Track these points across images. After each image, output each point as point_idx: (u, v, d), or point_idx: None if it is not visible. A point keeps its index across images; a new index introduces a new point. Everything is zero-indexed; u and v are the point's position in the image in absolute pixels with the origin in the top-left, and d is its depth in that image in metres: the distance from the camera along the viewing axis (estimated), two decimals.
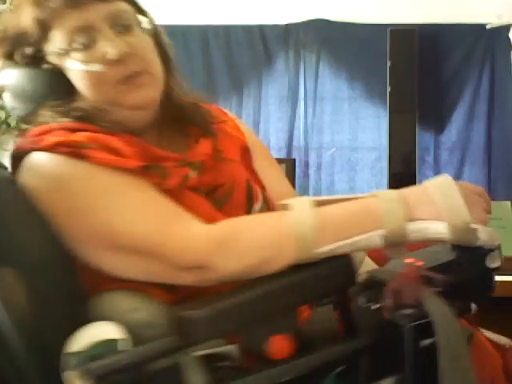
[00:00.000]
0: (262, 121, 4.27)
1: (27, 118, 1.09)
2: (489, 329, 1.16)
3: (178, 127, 1.17)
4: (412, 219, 0.92)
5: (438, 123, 4.16)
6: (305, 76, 4.26)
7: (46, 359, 0.89)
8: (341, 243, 0.92)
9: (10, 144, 3.51)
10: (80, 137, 1.00)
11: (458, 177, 4.07)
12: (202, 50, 4.23)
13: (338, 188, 4.25)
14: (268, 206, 1.17)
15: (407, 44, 3.94)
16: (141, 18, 1.12)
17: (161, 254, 0.94)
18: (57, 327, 0.91)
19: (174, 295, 0.96)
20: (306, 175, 4.26)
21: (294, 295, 0.92)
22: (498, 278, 0.99)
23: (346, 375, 0.94)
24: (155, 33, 1.15)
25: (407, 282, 0.87)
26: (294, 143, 4.29)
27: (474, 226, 0.92)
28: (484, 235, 0.93)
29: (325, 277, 0.93)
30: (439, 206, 0.92)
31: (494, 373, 1.05)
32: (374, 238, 0.92)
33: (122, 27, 1.07)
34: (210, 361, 0.91)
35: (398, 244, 0.93)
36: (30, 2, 1.06)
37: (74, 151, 0.98)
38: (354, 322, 0.94)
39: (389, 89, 3.96)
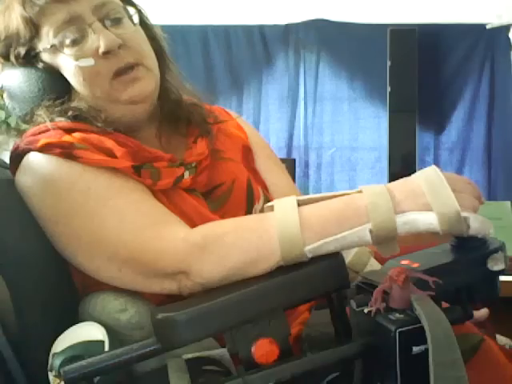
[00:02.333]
0: (262, 121, 4.27)
1: (26, 118, 1.09)
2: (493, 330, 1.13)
3: (177, 127, 1.16)
4: (400, 211, 0.88)
5: (438, 123, 4.16)
6: (305, 76, 4.26)
7: (33, 361, 0.88)
8: (327, 239, 0.88)
9: (10, 144, 3.51)
10: (72, 138, 0.99)
11: None
12: (202, 50, 4.24)
13: (338, 188, 4.25)
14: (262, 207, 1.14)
15: (407, 44, 3.95)
16: (130, 10, 1.09)
17: (143, 261, 0.92)
18: (43, 330, 0.91)
19: (163, 296, 0.94)
20: (306, 175, 4.27)
21: (279, 296, 0.87)
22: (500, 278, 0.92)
23: (338, 382, 0.90)
24: (147, 25, 1.13)
25: (395, 284, 0.81)
26: (294, 143, 4.30)
27: (464, 214, 0.86)
28: (476, 223, 0.87)
29: (312, 277, 0.88)
30: (427, 197, 0.88)
31: (505, 383, 0.98)
32: (362, 232, 0.88)
33: (112, 20, 1.05)
34: (197, 364, 0.89)
35: (389, 240, 0.88)
36: (18, 1, 1.05)
37: (66, 152, 0.97)
38: (347, 325, 0.89)
39: (389, 89, 3.97)
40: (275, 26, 4.22)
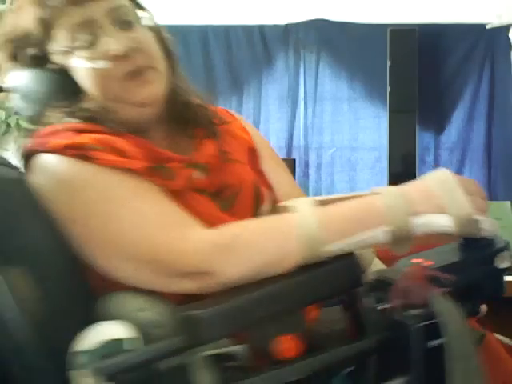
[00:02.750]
0: (262, 121, 4.28)
1: (35, 119, 1.08)
2: (493, 330, 1.14)
3: (184, 128, 1.16)
4: (415, 213, 0.92)
5: (438, 123, 4.16)
6: (305, 76, 4.26)
7: (55, 357, 0.88)
8: (346, 240, 0.91)
9: (11, 144, 3.50)
10: (86, 138, 0.99)
11: None
12: (202, 50, 4.24)
13: (338, 188, 4.25)
14: (275, 207, 1.14)
15: (407, 44, 3.95)
16: (141, 13, 1.11)
17: (163, 261, 0.93)
18: (65, 326, 0.91)
19: (181, 295, 0.95)
20: (306, 175, 4.26)
21: (301, 295, 0.91)
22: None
23: (354, 376, 0.93)
24: (155, 28, 1.14)
25: (414, 281, 0.86)
26: (294, 143, 4.30)
27: (476, 217, 0.91)
28: (487, 225, 0.92)
29: (331, 276, 0.92)
30: (441, 200, 0.92)
31: (506, 377, 1.03)
32: (380, 233, 0.92)
33: (124, 23, 1.07)
34: (218, 361, 0.91)
35: (403, 240, 0.92)
36: (31, 2, 1.06)
37: (80, 153, 0.97)
38: (361, 322, 0.93)
39: (389, 89, 3.97)
40: (275, 26, 4.22)
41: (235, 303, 0.86)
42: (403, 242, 0.92)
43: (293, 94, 4.28)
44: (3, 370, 0.89)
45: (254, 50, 4.25)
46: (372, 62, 4.09)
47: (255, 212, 1.11)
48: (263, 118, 4.28)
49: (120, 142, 1.00)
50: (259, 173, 1.20)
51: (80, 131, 1.01)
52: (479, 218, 0.91)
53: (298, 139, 4.30)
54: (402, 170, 3.98)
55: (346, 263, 0.91)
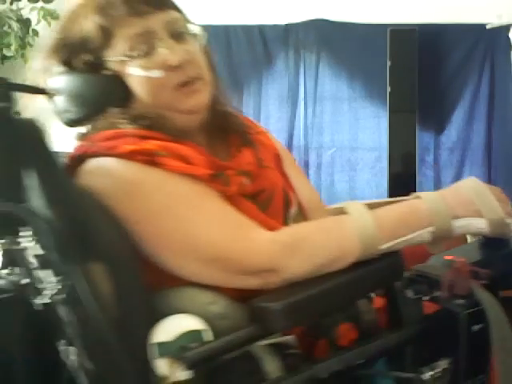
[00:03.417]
0: (261, 121, 4.27)
1: (79, 122, 1.13)
2: None
3: (221, 136, 1.23)
4: (455, 217, 1.05)
5: (438, 123, 4.17)
6: (305, 76, 4.27)
7: (134, 349, 0.94)
8: (398, 240, 1.03)
9: None
10: (152, 145, 1.05)
11: (458, 177, 4.08)
12: None
13: (337, 188, 4.26)
14: (301, 210, 1.26)
15: (407, 44, 3.95)
16: (193, 27, 1.17)
17: (231, 260, 1.00)
18: (138, 320, 0.98)
19: (235, 290, 1.02)
20: (306, 175, 4.26)
21: (358, 288, 1.04)
22: None
23: (395, 360, 1.07)
24: (201, 40, 1.20)
25: (459, 275, 1.01)
26: (294, 143, 4.30)
27: (508, 220, 1.06)
28: None
29: (382, 271, 1.05)
30: (476, 205, 1.06)
31: None
32: (425, 234, 1.05)
33: (179, 35, 1.13)
34: (279, 348, 1.02)
35: (443, 240, 1.06)
36: (93, 11, 1.11)
37: (148, 159, 1.02)
38: (400, 312, 1.07)
39: (389, 89, 3.97)
40: (275, 25, 4.23)
41: (302, 296, 0.97)
42: (440, 241, 1.06)
43: (293, 94, 4.28)
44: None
45: (254, 50, 4.25)
46: (372, 62, 4.09)
47: (285, 215, 1.19)
48: (263, 118, 4.28)
49: (183, 149, 1.06)
50: (285, 177, 1.28)
51: (143, 138, 1.06)
52: (510, 221, 1.07)
53: (298, 139, 4.30)
54: (402, 170, 3.98)
55: (394, 259, 1.04)
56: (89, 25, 1.11)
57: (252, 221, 1.05)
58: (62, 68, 1.13)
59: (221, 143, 1.21)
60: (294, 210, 1.22)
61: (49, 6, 3.89)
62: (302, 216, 1.23)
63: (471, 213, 1.06)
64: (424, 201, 1.07)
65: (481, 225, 1.06)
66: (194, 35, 1.16)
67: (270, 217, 1.12)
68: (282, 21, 4.20)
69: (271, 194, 1.18)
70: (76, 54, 1.12)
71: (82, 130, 1.15)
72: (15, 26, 3.89)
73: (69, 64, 1.13)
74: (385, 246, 1.03)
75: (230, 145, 1.21)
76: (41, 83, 1.13)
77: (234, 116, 1.25)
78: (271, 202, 1.17)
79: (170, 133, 1.09)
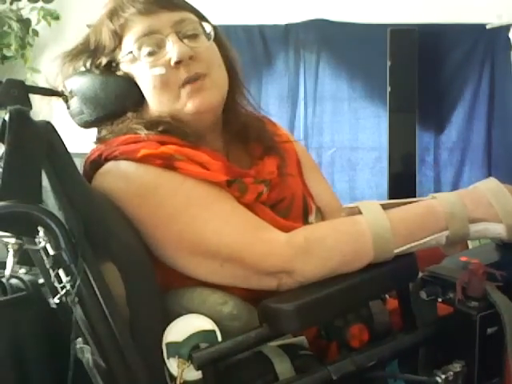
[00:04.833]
0: None
1: (94, 123, 1.14)
2: None
3: (242, 143, 1.22)
4: (472, 220, 1.02)
5: (438, 123, 4.16)
6: (305, 76, 4.26)
7: (146, 349, 0.94)
8: (414, 244, 1.01)
9: None
10: (169, 149, 1.05)
11: (458, 177, 4.08)
12: None
13: (338, 188, 4.25)
14: (320, 217, 1.25)
15: (407, 44, 3.95)
16: (206, 26, 1.16)
17: (247, 261, 1.00)
18: (150, 321, 0.98)
19: (249, 291, 1.03)
20: None
21: (371, 289, 1.03)
22: None
23: (406, 362, 1.06)
24: (224, 46, 1.20)
25: (474, 276, 0.97)
26: None
27: None
28: None
29: (396, 272, 1.03)
30: (494, 208, 1.03)
31: None
32: (440, 238, 1.02)
33: (188, 35, 1.12)
34: (292, 349, 1.01)
35: (458, 243, 1.04)
36: (106, 16, 1.13)
37: (166, 163, 1.02)
38: (414, 314, 1.05)
39: (389, 89, 3.97)
40: (275, 25, 4.22)
41: (314, 298, 0.97)
42: (456, 244, 1.05)
43: (293, 94, 4.27)
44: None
45: (254, 49, 4.24)
46: (372, 62, 4.08)
47: (304, 222, 1.19)
48: None
49: (200, 155, 1.06)
50: (304, 184, 1.28)
51: (162, 143, 1.06)
52: None
53: (298, 139, 4.27)
54: (402, 170, 3.98)
55: (408, 261, 1.03)
56: (104, 30, 1.13)
57: (268, 223, 1.04)
58: (77, 70, 1.15)
59: (242, 151, 1.21)
60: (312, 217, 1.22)
61: (49, 6, 3.88)
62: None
63: (489, 216, 1.03)
64: (441, 202, 1.04)
65: (498, 230, 1.03)
66: (208, 35, 1.15)
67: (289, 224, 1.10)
68: (282, 21, 4.19)
69: (291, 202, 1.18)
70: (92, 57, 1.14)
71: (97, 132, 1.15)
72: (15, 26, 3.88)
73: (84, 66, 1.15)
74: (399, 250, 1.01)
75: (251, 153, 1.21)
76: (56, 86, 1.14)
77: (257, 121, 1.23)
78: (291, 210, 1.17)
79: (186, 137, 1.09)
